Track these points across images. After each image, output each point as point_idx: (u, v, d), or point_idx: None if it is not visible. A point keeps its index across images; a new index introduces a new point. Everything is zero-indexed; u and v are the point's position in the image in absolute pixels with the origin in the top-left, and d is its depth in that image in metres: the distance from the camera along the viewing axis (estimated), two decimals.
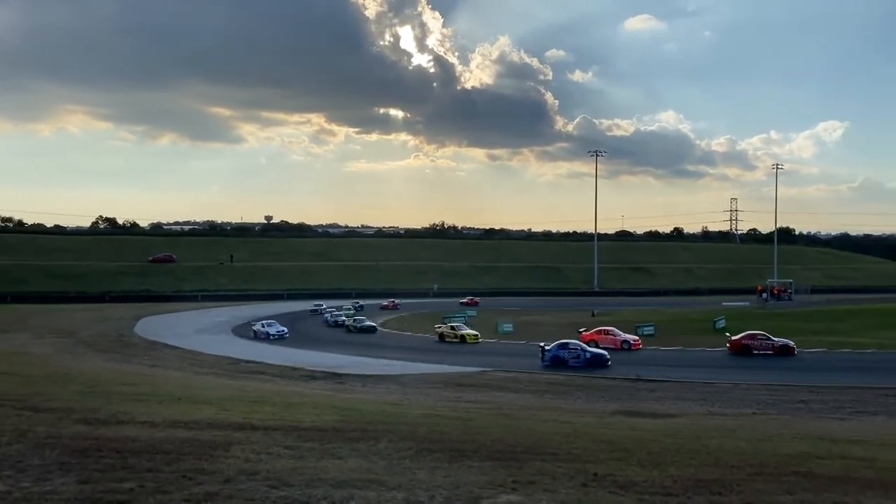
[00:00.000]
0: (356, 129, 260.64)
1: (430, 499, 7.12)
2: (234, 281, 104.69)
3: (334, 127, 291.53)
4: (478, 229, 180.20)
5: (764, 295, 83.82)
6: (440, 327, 51.39)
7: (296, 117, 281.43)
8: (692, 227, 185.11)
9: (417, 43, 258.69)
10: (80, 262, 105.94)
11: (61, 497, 6.77)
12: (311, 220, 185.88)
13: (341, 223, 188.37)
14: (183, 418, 12.82)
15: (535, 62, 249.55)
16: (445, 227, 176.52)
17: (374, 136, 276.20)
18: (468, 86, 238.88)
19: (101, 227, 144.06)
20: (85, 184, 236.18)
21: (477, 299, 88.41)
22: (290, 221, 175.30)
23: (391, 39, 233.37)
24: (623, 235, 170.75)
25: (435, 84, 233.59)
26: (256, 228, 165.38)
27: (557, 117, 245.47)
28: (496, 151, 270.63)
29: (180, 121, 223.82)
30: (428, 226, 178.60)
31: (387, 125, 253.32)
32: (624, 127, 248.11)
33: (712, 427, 16.57)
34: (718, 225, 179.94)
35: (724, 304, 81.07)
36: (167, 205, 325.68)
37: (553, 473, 8.71)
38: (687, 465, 9.88)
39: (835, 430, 16.99)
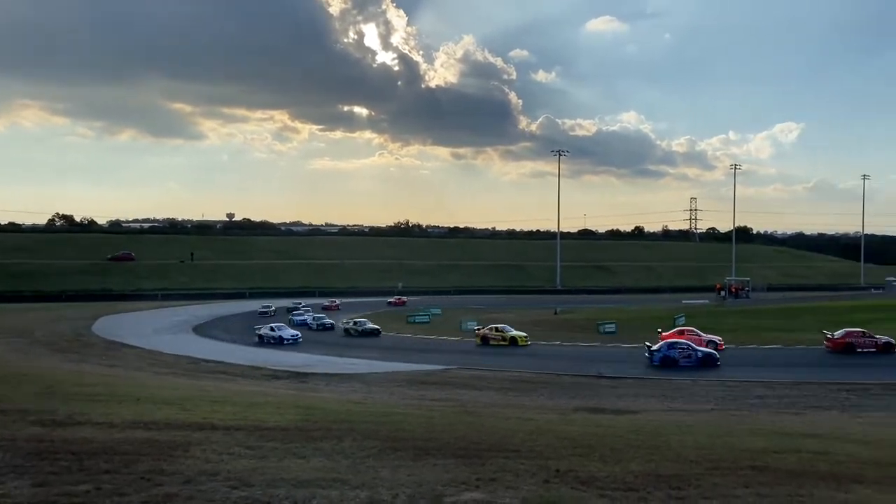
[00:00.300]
0: (320, 127, 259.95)
1: (394, 497, 7.12)
2: (195, 280, 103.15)
3: (298, 124, 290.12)
4: (442, 227, 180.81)
5: (722, 293, 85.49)
6: (480, 328, 47.02)
7: (258, 114, 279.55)
8: (653, 226, 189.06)
9: (382, 41, 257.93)
10: (36, 260, 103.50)
11: (15, 501, 6.63)
12: (275, 218, 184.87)
13: (305, 221, 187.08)
14: (142, 419, 12.60)
15: (499, 62, 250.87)
16: (410, 225, 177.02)
17: (338, 134, 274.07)
18: (432, 84, 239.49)
19: (58, 224, 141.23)
20: (41, 180, 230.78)
21: (404, 299, 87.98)
22: (252, 219, 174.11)
23: (355, 37, 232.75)
24: (585, 234, 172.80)
25: (399, 82, 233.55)
26: (218, 226, 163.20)
27: (521, 117, 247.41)
28: (460, 150, 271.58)
29: (140, 116, 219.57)
30: (392, 224, 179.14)
31: (351, 123, 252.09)
32: (586, 127, 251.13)
33: (672, 423, 16.80)
34: (678, 224, 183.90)
35: (684, 301, 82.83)
36: (126, 202, 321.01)
37: (515, 470, 8.76)
38: (647, 460, 10.00)
39: (790, 425, 17.38)
